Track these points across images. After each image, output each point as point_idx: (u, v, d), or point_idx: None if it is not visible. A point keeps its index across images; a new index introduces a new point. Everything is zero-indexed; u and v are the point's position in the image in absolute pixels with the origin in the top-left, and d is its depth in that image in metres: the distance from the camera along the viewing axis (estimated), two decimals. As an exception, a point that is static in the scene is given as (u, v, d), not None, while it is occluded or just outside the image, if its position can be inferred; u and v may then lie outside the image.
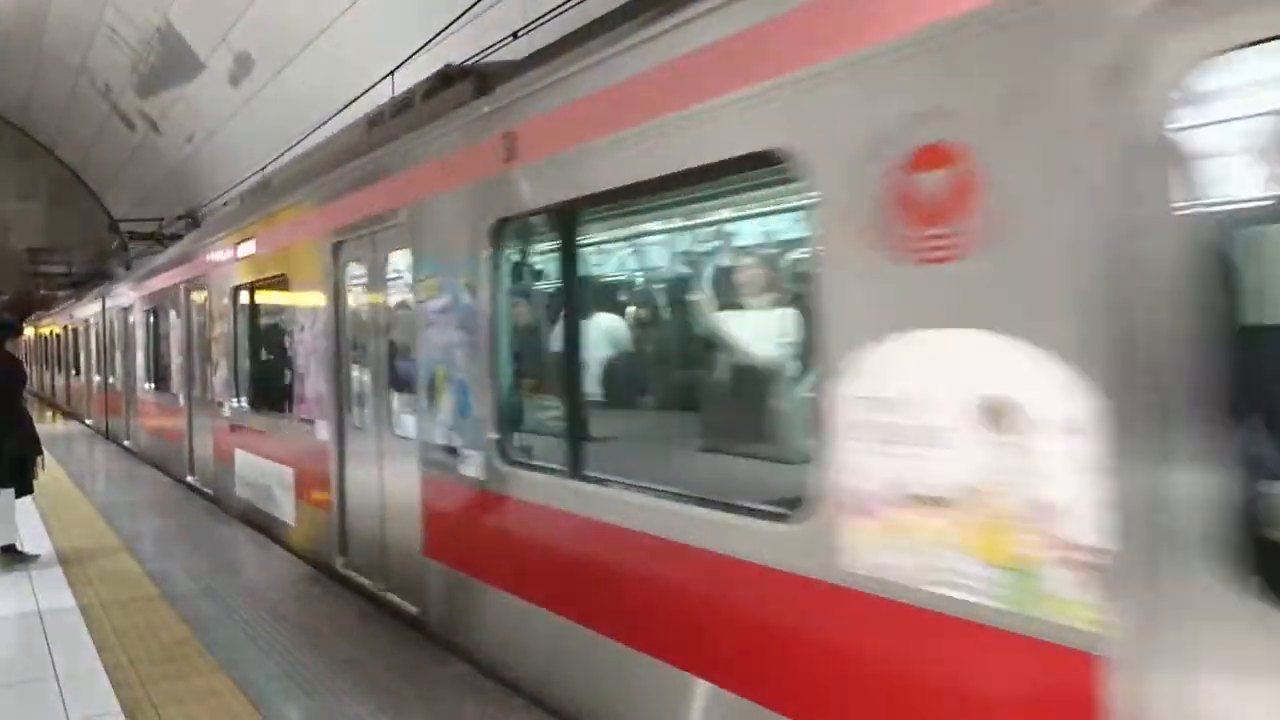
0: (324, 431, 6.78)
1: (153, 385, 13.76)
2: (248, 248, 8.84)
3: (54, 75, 29.36)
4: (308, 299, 7.23)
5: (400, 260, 5.74)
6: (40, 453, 8.09)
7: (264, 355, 9.23)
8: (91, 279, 25.57)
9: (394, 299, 5.96)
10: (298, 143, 13.13)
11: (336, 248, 6.53)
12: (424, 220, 5.28)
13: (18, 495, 7.85)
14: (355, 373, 6.46)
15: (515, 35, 8.19)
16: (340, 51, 16.28)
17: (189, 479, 11.39)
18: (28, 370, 9.31)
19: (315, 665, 5.05)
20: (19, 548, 7.71)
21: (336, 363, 6.62)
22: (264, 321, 9.34)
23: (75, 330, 22.91)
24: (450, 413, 4.97)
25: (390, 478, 5.84)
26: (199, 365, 10.63)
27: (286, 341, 8.04)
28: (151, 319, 13.72)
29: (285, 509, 7.84)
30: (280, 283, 8.01)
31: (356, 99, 11.37)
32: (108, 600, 6.41)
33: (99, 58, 26.21)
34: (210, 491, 10.36)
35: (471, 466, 4.77)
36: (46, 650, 5.40)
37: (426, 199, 5.25)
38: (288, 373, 7.83)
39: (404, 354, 5.76)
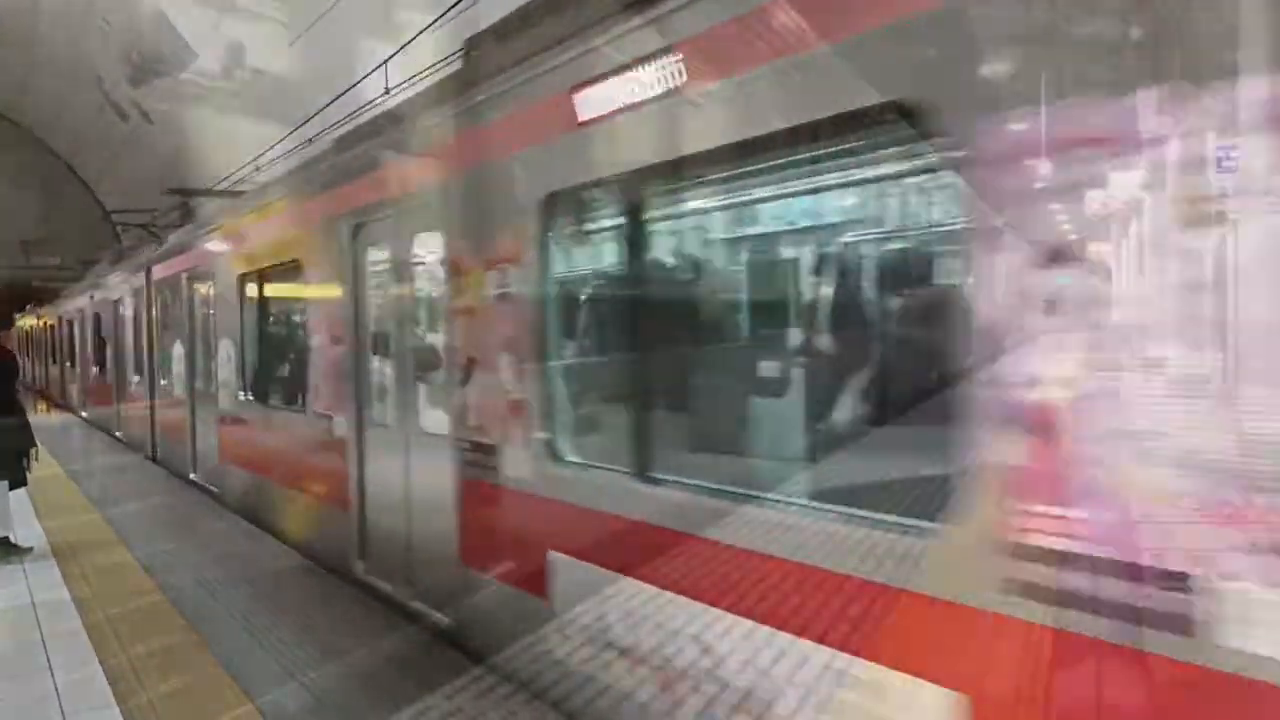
0: None
1: (251, 395, 8.93)
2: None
3: (47, 65, 29.23)
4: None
5: None
6: (34, 444, 8.06)
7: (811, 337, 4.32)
8: (85, 271, 25.42)
9: None
10: (291, 132, 13.07)
11: None
12: None
13: (12, 488, 7.84)
14: None
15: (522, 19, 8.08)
16: (333, 40, 16.21)
17: (362, 573, 6.40)
18: (28, 364, 9.17)
19: (312, 658, 5.03)
20: (13, 540, 7.69)
21: None
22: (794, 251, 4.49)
23: (98, 315, 18.10)
24: None
25: None
26: (395, 373, 6.00)
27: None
28: (253, 290, 8.96)
29: None
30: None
31: (350, 88, 11.31)
32: (102, 594, 6.38)
33: (92, 47, 26.10)
34: (445, 619, 5.27)
35: None
36: (41, 643, 5.37)
37: None
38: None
39: None
